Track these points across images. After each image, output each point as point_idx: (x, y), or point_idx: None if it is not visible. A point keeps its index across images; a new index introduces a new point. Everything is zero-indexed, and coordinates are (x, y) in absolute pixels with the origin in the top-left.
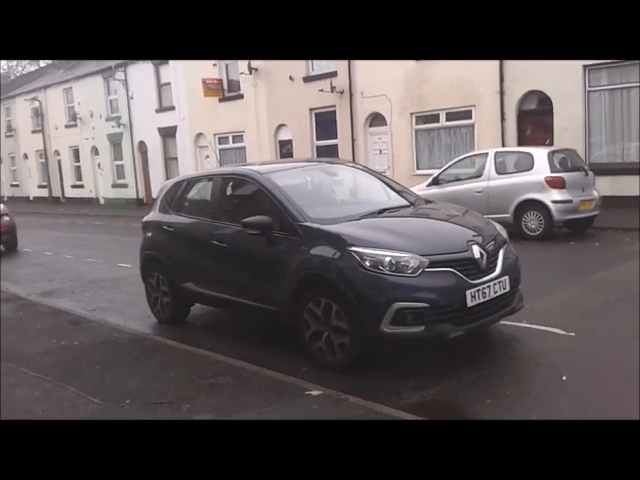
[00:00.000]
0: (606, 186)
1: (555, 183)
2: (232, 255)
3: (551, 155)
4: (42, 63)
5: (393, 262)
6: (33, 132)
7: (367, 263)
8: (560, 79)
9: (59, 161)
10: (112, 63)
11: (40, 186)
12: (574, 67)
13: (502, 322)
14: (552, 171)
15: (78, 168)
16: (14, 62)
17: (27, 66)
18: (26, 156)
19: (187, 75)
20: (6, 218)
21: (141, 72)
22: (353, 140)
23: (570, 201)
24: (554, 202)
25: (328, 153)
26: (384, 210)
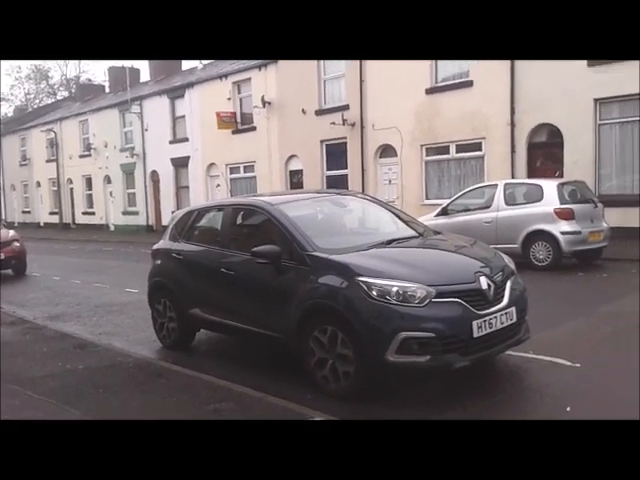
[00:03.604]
0: (615, 217)
1: (564, 214)
2: (240, 283)
3: (560, 187)
4: (59, 96)
5: (400, 292)
6: (47, 161)
7: (374, 293)
8: (571, 112)
9: (71, 189)
10: (128, 97)
11: (51, 213)
12: (585, 100)
13: (508, 352)
14: (561, 202)
15: (90, 196)
16: (31, 95)
17: (44, 99)
18: (39, 184)
19: (202, 108)
20: (16, 244)
21: (156, 105)
22: (363, 170)
23: (579, 232)
24: (563, 233)
25: (338, 183)
26: (392, 241)
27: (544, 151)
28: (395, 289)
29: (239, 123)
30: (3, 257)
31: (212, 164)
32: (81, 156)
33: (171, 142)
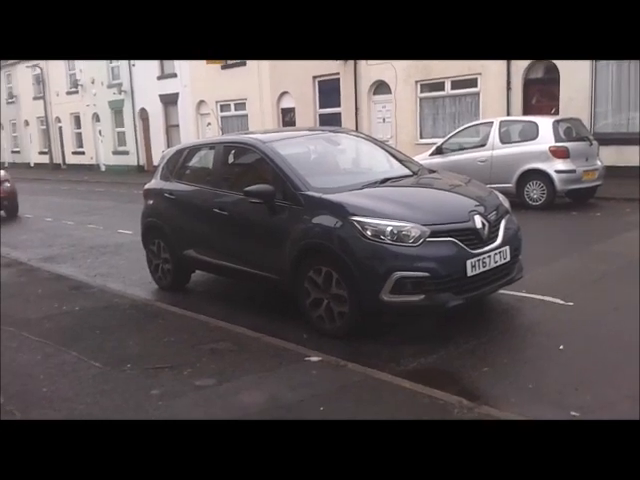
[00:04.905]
0: (610, 156)
1: (559, 153)
2: (233, 223)
3: (556, 124)
4: None
5: (394, 232)
6: (34, 99)
7: (369, 232)
8: None
9: (60, 128)
10: None
11: (41, 152)
12: None
13: (501, 291)
14: (556, 140)
15: (79, 135)
16: None
17: None
18: (27, 123)
19: None
20: (7, 184)
21: None
22: (357, 108)
23: (573, 171)
24: (557, 172)
25: (331, 121)
26: (386, 180)
27: (540, 88)
28: (389, 229)
29: None
30: None
31: (202, 101)
32: (68, 93)
33: (159, 78)
